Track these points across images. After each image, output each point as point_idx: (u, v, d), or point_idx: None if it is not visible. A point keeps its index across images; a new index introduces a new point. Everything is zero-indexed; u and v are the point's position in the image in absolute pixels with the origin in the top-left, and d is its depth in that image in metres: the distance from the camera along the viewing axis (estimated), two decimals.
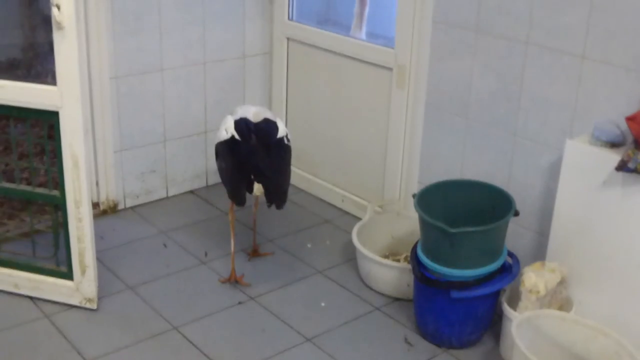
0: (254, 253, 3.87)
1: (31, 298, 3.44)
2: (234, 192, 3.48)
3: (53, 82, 3.07)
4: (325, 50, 4.24)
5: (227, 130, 3.45)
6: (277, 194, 3.48)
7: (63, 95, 3.06)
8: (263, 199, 3.51)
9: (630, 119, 2.79)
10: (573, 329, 2.94)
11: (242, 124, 3.44)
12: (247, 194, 3.46)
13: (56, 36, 2.98)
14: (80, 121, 3.10)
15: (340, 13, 5.18)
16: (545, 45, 3.18)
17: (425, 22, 3.64)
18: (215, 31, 4.31)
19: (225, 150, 3.45)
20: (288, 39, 4.45)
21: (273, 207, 3.49)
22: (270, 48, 4.56)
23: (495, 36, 3.36)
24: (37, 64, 4.09)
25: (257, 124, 3.46)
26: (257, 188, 3.43)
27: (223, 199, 4.21)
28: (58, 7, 2.92)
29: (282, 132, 3.51)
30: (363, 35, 4.37)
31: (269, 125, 3.49)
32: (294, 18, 4.45)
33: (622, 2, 2.89)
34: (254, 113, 3.53)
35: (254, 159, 3.39)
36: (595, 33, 3.00)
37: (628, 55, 2.92)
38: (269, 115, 3.56)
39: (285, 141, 3.52)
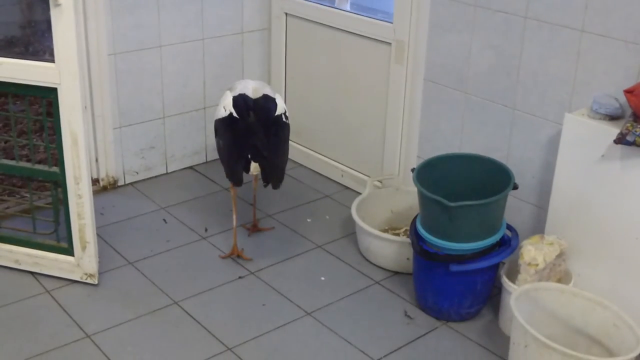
0: (254, 228, 3.88)
1: (32, 274, 3.45)
2: (232, 172, 3.48)
3: (51, 59, 3.07)
4: (324, 25, 4.23)
5: (225, 107, 3.45)
6: (274, 173, 3.47)
7: (61, 72, 3.06)
8: None
9: (628, 92, 2.79)
10: (572, 301, 2.95)
11: (240, 101, 3.44)
12: (245, 174, 3.47)
13: (54, 13, 2.98)
14: (79, 98, 3.09)
15: None
16: (544, 19, 3.18)
17: None
18: (213, 7, 4.29)
19: (223, 128, 3.45)
20: (286, 14, 4.44)
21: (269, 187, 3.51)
22: (269, 24, 4.55)
23: (494, 10, 3.35)
24: (35, 41, 4.07)
25: (255, 100, 3.47)
26: (254, 167, 3.42)
27: (223, 175, 4.22)
28: None
29: (280, 109, 3.51)
30: (347, 6, 4.35)
31: (267, 102, 3.49)
32: None
33: None
34: (253, 88, 3.53)
35: (252, 137, 3.38)
36: (594, 6, 3.00)
37: (627, 29, 2.92)
38: (268, 90, 3.56)
39: (284, 118, 3.52)
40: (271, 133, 3.43)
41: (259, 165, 3.41)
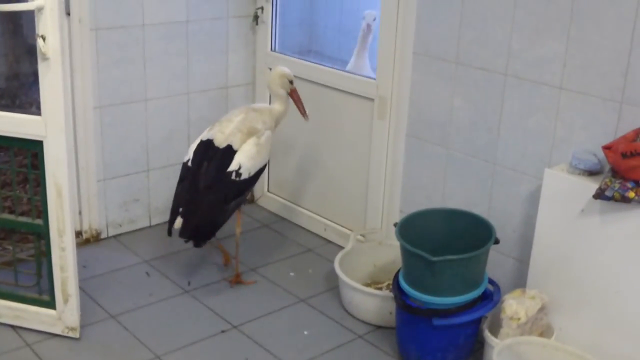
0: (236, 279, 3.88)
1: (13, 327, 3.42)
2: (169, 220, 3.60)
3: (37, 111, 3.09)
4: (307, 80, 4.28)
5: (189, 151, 3.61)
6: (185, 228, 3.55)
7: (47, 125, 3.08)
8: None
9: (607, 148, 2.84)
10: (554, 355, 2.97)
11: (200, 150, 3.57)
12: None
13: (41, 67, 3.01)
14: (65, 151, 3.11)
15: (323, 44, 5.24)
16: (523, 76, 3.24)
17: (406, 54, 3.69)
18: (198, 62, 4.35)
19: (180, 174, 3.62)
20: (270, 69, 4.48)
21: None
22: (253, 78, 4.60)
23: (474, 67, 3.42)
24: (21, 93, 4.09)
25: (213, 154, 3.55)
26: (178, 221, 3.55)
27: None
28: (43, 38, 2.94)
29: (235, 165, 3.53)
30: (367, 67, 4.44)
31: (221, 158, 3.54)
32: (277, 49, 4.50)
33: (599, 34, 2.96)
34: (229, 131, 3.60)
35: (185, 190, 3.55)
36: (573, 64, 3.07)
37: (604, 87, 2.98)
38: (247, 126, 3.63)
39: (233, 176, 3.53)
40: (200, 192, 3.51)
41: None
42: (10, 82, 4.13)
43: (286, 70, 3.77)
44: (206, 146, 3.57)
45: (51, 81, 3.01)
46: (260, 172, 3.67)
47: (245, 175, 3.56)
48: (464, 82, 3.48)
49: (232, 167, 3.53)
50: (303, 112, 3.84)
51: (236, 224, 3.78)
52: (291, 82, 3.78)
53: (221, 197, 3.54)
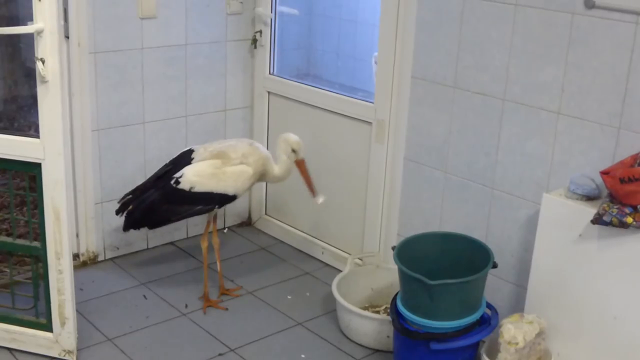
0: (222, 290, 3.96)
1: (10, 350, 3.41)
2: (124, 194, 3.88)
3: (36, 134, 3.10)
4: (306, 104, 4.30)
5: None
6: (125, 205, 3.78)
7: (46, 148, 3.08)
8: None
9: (605, 173, 2.85)
10: None
11: (181, 154, 3.82)
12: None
13: (40, 90, 3.01)
14: (63, 174, 3.11)
15: (320, 67, 5.26)
16: (521, 101, 3.26)
17: (404, 78, 3.71)
18: (197, 85, 4.36)
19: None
20: (269, 92, 4.52)
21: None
22: (251, 102, 4.62)
23: (472, 92, 3.43)
24: (19, 116, 4.11)
25: (185, 161, 3.72)
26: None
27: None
28: (42, 62, 2.95)
29: (178, 173, 3.66)
30: None
31: (178, 166, 3.71)
32: (275, 72, 4.52)
33: (597, 60, 2.98)
34: (222, 145, 3.75)
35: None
36: (571, 90, 3.08)
37: (602, 112, 2.99)
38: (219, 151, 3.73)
39: (172, 182, 3.65)
40: (154, 184, 3.74)
41: None
42: (9, 105, 4.15)
43: (292, 137, 3.74)
44: (187, 153, 3.78)
45: (50, 104, 3.02)
46: (213, 195, 3.66)
47: (184, 186, 3.63)
48: (462, 107, 3.49)
49: (177, 174, 3.65)
50: (311, 189, 3.82)
51: (213, 236, 3.89)
52: (294, 152, 3.74)
53: (158, 196, 3.68)
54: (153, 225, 3.83)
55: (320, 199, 3.77)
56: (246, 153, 3.71)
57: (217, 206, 3.71)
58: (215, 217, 3.86)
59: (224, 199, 3.68)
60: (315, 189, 3.82)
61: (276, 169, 3.78)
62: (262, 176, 3.78)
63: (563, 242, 3.00)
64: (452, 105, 3.53)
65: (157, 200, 3.68)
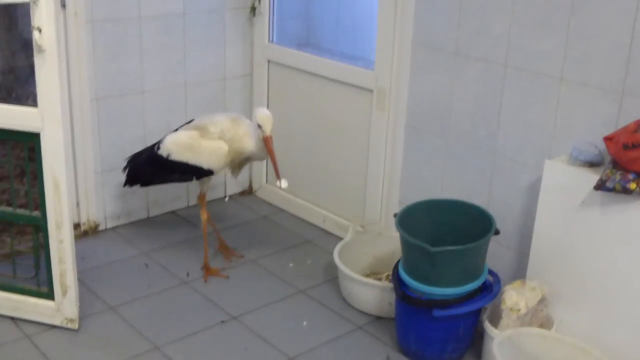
0: (222, 248, 4.04)
1: (12, 318, 3.42)
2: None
3: (34, 104, 3.08)
4: (306, 72, 4.27)
5: None
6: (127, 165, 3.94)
7: (44, 117, 3.06)
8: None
9: (608, 139, 2.84)
10: (554, 347, 2.97)
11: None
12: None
13: (37, 59, 2.99)
14: (62, 143, 3.10)
15: (320, 36, 5.22)
16: (523, 67, 3.24)
17: (404, 45, 3.68)
18: (196, 54, 4.33)
19: None
20: (269, 61, 4.49)
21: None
22: (251, 70, 4.59)
23: (474, 59, 3.41)
24: (17, 87, 4.07)
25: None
26: None
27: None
28: (39, 30, 2.93)
29: (162, 139, 3.78)
30: None
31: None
32: (275, 41, 4.49)
33: (599, 26, 2.95)
34: (207, 118, 3.76)
35: None
36: (573, 56, 3.06)
37: (605, 77, 2.97)
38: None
39: (155, 148, 3.76)
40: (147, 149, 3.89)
41: None
42: (7, 76, 4.11)
43: (259, 112, 3.58)
44: (187, 123, 3.86)
45: (47, 73, 3.00)
46: (189, 167, 3.67)
47: (163, 152, 3.71)
48: (463, 73, 3.47)
49: (161, 139, 3.78)
50: (275, 170, 3.63)
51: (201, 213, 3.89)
52: (260, 127, 3.56)
53: (144, 158, 3.83)
54: (141, 184, 3.92)
55: (283, 184, 3.61)
56: (225, 129, 3.65)
57: (194, 177, 3.72)
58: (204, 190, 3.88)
59: (199, 172, 3.68)
60: (279, 172, 3.61)
61: (249, 145, 3.64)
62: (240, 153, 3.68)
63: (565, 209, 2.99)
64: (454, 72, 3.51)
65: (143, 162, 3.83)
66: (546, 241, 3.10)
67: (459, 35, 3.45)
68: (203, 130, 3.67)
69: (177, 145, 3.67)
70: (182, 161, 3.67)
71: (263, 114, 3.56)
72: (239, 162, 3.80)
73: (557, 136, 3.18)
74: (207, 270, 3.86)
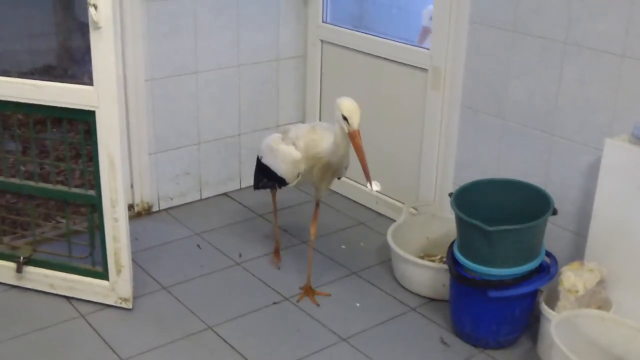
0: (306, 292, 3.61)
1: (67, 298, 3.45)
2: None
3: (90, 82, 3.08)
4: (359, 52, 4.23)
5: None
6: None
7: (100, 95, 3.07)
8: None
9: None
10: (612, 329, 2.90)
11: None
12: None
13: (93, 36, 2.99)
14: (117, 121, 3.11)
15: (375, 18, 5.18)
16: (583, 44, 3.16)
17: (461, 23, 3.62)
18: (249, 34, 4.32)
19: None
20: (322, 41, 4.45)
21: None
22: (304, 51, 4.56)
23: (533, 36, 3.34)
24: (72, 67, 4.11)
25: None
26: None
27: (256, 201, 4.23)
28: (95, 7, 2.93)
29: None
30: None
31: None
32: (328, 21, 4.46)
33: None
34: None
35: None
36: (635, 32, 2.97)
37: None
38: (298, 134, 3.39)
39: (258, 156, 3.58)
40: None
41: None
42: (61, 57, 4.16)
43: (343, 101, 3.07)
44: None
45: (103, 50, 3.00)
46: (271, 172, 3.45)
47: (259, 152, 3.57)
48: (521, 51, 3.40)
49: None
50: (365, 171, 3.12)
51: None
52: (345, 119, 3.05)
53: (257, 160, 3.60)
54: (253, 187, 3.72)
55: (375, 187, 3.27)
56: (300, 134, 3.32)
57: (276, 184, 3.49)
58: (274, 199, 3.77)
59: (279, 179, 3.43)
60: (369, 173, 3.13)
61: (325, 146, 3.24)
62: (317, 160, 3.29)
63: (626, 189, 2.92)
64: (511, 50, 3.44)
65: (257, 161, 3.62)
66: (605, 222, 3.03)
67: (517, 13, 3.37)
68: (285, 134, 3.44)
69: (265, 147, 3.50)
70: (267, 165, 3.49)
71: (349, 104, 3.05)
72: (319, 174, 3.37)
73: (618, 115, 3.09)
74: (308, 291, 3.58)
